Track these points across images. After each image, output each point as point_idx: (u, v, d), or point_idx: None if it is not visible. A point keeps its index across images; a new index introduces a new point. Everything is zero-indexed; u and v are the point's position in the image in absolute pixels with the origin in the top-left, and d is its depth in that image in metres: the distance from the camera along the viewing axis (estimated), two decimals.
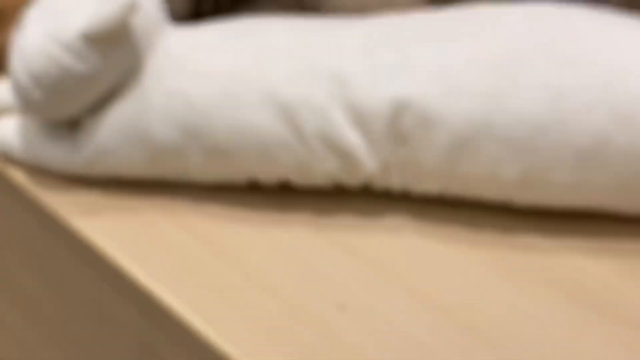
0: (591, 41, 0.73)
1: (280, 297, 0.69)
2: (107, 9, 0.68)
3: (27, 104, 0.72)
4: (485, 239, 0.76)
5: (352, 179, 0.74)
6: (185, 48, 0.75)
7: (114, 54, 0.71)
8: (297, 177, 0.74)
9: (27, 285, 0.90)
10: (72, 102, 0.71)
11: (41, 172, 0.77)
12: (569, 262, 0.74)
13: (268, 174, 0.74)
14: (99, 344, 0.81)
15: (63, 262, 0.79)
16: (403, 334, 0.66)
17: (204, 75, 0.73)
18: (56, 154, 0.75)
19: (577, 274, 0.72)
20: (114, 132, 0.72)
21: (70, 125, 0.75)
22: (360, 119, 0.71)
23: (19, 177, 0.77)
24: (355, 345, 0.65)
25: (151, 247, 0.72)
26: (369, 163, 0.72)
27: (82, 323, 0.83)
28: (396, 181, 0.74)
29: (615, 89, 0.69)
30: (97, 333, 0.80)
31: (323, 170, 0.73)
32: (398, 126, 0.71)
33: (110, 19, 0.68)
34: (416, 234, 0.76)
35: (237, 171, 0.75)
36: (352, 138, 0.71)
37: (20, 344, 1.00)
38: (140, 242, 0.72)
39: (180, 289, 0.68)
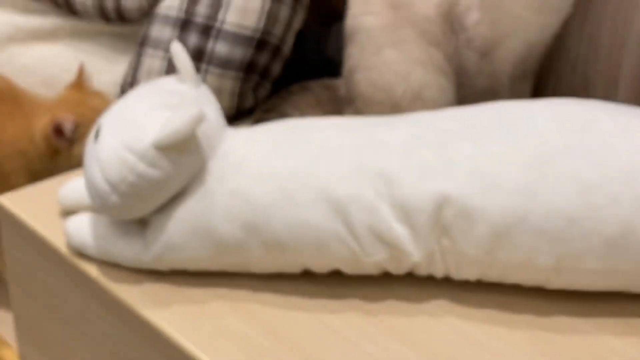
0: (613, 138, 0.76)
1: None
2: (177, 121, 0.71)
3: (104, 207, 0.74)
4: (520, 320, 0.77)
5: (398, 268, 0.76)
6: (242, 151, 0.78)
7: (183, 160, 0.73)
8: (348, 268, 0.76)
9: None
10: (145, 204, 0.74)
11: (112, 264, 0.79)
12: (598, 342, 0.75)
13: (321, 265, 0.76)
14: None
15: (133, 348, 0.80)
16: None
17: (261, 175, 0.75)
18: (127, 250, 0.77)
19: (607, 353, 0.73)
20: (181, 230, 0.75)
21: (140, 223, 0.78)
22: (405, 213, 0.73)
23: (92, 270, 0.79)
24: None
25: (216, 335, 0.73)
26: (414, 253, 0.74)
27: None
28: (438, 268, 0.76)
29: (637, 182, 0.73)
30: None
31: (372, 261, 0.75)
32: (440, 220, 0.73)
33: (180, 130, 0.71)
34: (456, 317, 0.77)
35: (293, 262, 0.76)
36: (399, 231, 0.73)
37: None
38: (205, 330, 0.73)
39: None
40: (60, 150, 1.07)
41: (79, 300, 0.85)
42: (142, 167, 0.72)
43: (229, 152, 0.78)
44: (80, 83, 1.10)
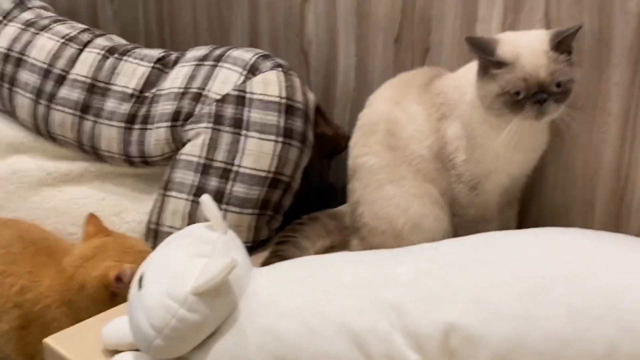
0: (598, 265, 0.80)
1: None
2: (212, 269, 0.76)
3: (149, 349, 0.79)
4: None
5: None
6: (268, 290, 0.82)
7: (218, 302, 0.78)
8: None
9: None
10: (185, 344, 0.79)
11: None
12: None
13: None
14: None
15: None
16: None
17: (286, 313, 0.79)
18: None
19: None
20: None
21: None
22: (416, 342, 0.77)
23: None
24: None
25: None
26: None
27: None
28: None
29: (620, 304, 0.76)
30: None
31: None
32: (448, 346, 0.77)
33: (215, 278, 0.76)
34: None
35: None
36: (412, 358, 0.77)
37: None
38: None
39: None
40: (117, 294, 1.03)
41: None
42: (182, 313, 0.76)
43: (256, 292, 0.82)
44: (99, 227, 1.11)
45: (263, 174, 1.08)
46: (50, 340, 0.93)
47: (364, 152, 1.04)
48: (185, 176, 1.10)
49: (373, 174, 1.02)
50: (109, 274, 1.03)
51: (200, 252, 0.82)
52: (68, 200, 1.25)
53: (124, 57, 1.24)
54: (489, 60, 0.91)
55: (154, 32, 1.52)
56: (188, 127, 1.12)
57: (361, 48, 1.22)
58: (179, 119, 1.14)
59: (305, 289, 0.82)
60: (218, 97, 1.11)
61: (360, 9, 1.19)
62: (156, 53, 1.24)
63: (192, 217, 1.09)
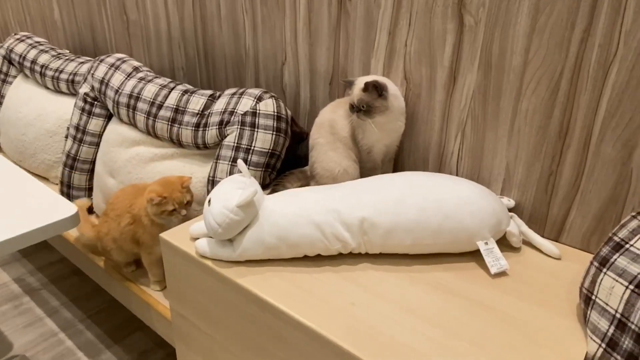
0: (432, 186, 0.83)
1: (320, 298, 0.74)
2: (246, 194, 0.80)
3: (215, 235, 0.81)
4: (400, 267, 0.81)
5: (345, 251, 0.83)
6: (273, 205, 0.84)
7: (248, 211, 0.81)
8: (325, 253, 0.83)
9: (220, 318, 0.87)
10: (233, 232, 0.81)
11: (219, 261, 0.83)
12: (434, 274, 0.80)
13: (312, 252, 0.83)
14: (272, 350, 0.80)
15: (235, 303, 0.81)
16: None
17: (282, 215, 0.82)
18: (225, 253, 0.83)
19: (439, 280, 0.79)
20: (249, 241, 0.82)
21: (228, 241, 0.84)
22: (347, 226, 0.81)
23: (209, 262, 0.83)
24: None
25: (272, 289, 0.77)
26: (352, 244, 0.82)
27: (250, 336, 0.82)
28: (363, 249, 0.83)
29: (444, 205, 0.81)
30: (268, 342, 0.79)
31: (334, 249, 0.82)
32: (362, 228, 0.81)
33: (248, 198, 0.79)
34: (373, 270, 0.82)
35: (300, 252, 0.83)
36: (345, 235, 0.81)
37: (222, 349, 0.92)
38: (268, 288, 0.78)
39: (293, 307, 0.74)
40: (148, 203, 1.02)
41: (202, 277, 0.85)
42: (231, 216, 0.79)
43: (266, 206, 0.83)
44: (182, 178, 1.05)
45: (266, 150, 1.08)
46: (164, 235, 0.91)
47: (318, 137, 1.04)
48: (227, 153, 1.10)
49: (322, 146, 1.03)
50: (148, 195, 1.01)
51: (238, 186, 0.84)
52: (166, 168, 1.24)
53: (193, 94, 1.23)
54: (348, 85, 0.99)
55: (205, 83, 1.49)
56: (227, 128, 1.12)
57: (312, 89, 1.21)
58: (223, 124, 1.13)
59: (291, 204, 0.84)
60: (242, 112, 1.11)
61: (311, 67, 1.18)
62: (208, 92, 1.23)
63: (230, 172, 1.09)
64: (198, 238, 0.88)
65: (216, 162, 1.12)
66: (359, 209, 0.81)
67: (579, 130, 0.84)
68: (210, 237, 0.84)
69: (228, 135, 1.12)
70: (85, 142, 1.42)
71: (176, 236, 0.91)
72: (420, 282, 0.79)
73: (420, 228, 0.80)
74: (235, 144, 1.09)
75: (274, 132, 1.09)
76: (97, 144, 1.42)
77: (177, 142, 1.22)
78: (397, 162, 1.11)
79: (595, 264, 0.70)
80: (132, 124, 1.31)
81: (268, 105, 1.10)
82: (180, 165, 1.22)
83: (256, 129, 1.09)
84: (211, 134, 1.15)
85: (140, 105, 1.28)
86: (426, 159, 1.06)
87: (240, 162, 0.87)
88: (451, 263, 0.84)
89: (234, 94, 1.17)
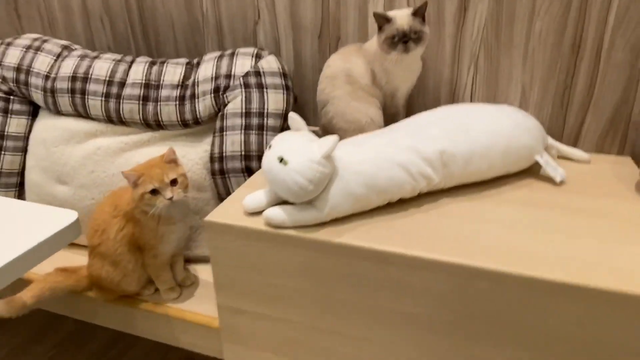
0: (484, 112, 0.84)
1: (431, 236, 0.71)
2: (329, 143, 0.71)
3: (303, 194, 0.70)
4: (479, 193, 0.81)
5: (428, 189, 0.80)
6: (347, 156, 0.76)
7: (330, 161, 0.72)
8: (409, 194, 0.78)
9: (302, 295, 0.78)
10: (322, 187, 0.72)
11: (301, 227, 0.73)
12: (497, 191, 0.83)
13: (399, 196, 0.78)
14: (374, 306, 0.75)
15: (329, 270, 0.73)
16: None
17: (363, 162, 0.75)
18: (308, 216, 0.73)
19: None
20: (337, 196, 0.73)
21: (307, 203, 0.74)
22: (429, 162, 0.77)
23: (290, 232, 0.73)
24: None
25: (383, 240, 0.70)
26: (436, 179, 0.78)
27: (346, 302, 0.75)
28: (442, 185, 0.80)
29: (504, 127, 0.82)
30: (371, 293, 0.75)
31: (419, 188, 0.78)
32: (443, 160, 0.78)
33: (332, 147, 0.71)
34: (455, 202, 0.79)
35: (387, 198, 0.77)
36: (429, 171, 0.77)
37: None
38: (377, 239, 0.70)
39: (418, 248, 0.69)
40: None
41: (276, 255, 0.75)
42: (321, 168, 0.70)
43: (340, 158, 0.75)
44: (163, 155, 0.87)
45: (280, 111, 0.98)
46: (208, 218, 0.77)
47: (332, 90, 0.96)
48: (235, 121, 0.96)
49: (341, 99, 0.95)
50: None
51: (308, 138, 0.75)
52: (145, 156, 1.01)
53: (164, 65, 1.05)
54: (383, 18, 0.89)
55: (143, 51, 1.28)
56: (227, 94, 0.98)
57: (297, 46, 1.12)
58: (220, 91, 0.99)
59: (365, 152, 0.77)
60: (243, 74, 0.98)
61: (294, 22, 1.09)
62: (182, 60, 1.06)
63: (246, 143, 0.95)
64: (255, 212, 0.76)
65: (222, 135, 0.97)
66: (433, 142, 0.78)
67: (591, 41, 0.93)
68: (280, 203, 0.74)
69: (230, 102, 0.98)
70: (6, 150, 1.11)
71: (227, 216, 0.77)
72: (504, 202, 0.79)
73: (493, 152, 0.81)
74: (245, 110, 0.96)
75: (284, 91, 0.98)
76: (24, 149, 1.13)
77: (155, 124, 1.03)
78: (408, 105, 1.08)
79: None
80: (81, 113, 1.07)
81: (271, 63, 0.99)
82: (162, 150, 1.01)
83: (265, 90, 0.97)
84: (204, 105, 0.99)
85: (92, 87, 1.04)
86: (437, 97, 1.07)
87: (293, 114, 0.77)
88: (514, 183, 0.86)
89: (219, 57, 1.02)
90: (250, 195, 0.78)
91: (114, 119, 1.05)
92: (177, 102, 1.00)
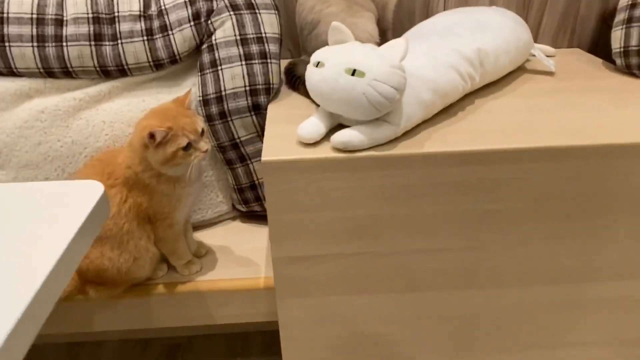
0: (488, 13, 0.85)
1: (497, 129, 0.70)
2: (403, 47, 0.64)
3: (389, 106, 0.63)
4: (506, 89, 0.82)
5: (472, 87, 0.78)
6: (405, 62, 0.71)
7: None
8: (460, 95, 0.76)
9: (381, 221, 0.70)
10: (402, 96, 0.64)
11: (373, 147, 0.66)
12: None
13: (456, 98, 0.75)
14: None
15: (410, 179, 0.67)
16: None
17: (421, 68, 0.71)
18: (386, 132, 0.66)
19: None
20: (410, 106, 0.68)
21: (376, 120, 0.66)
22: (470, 61, 0.76)
23: (367, 153, 0.65)
24: None
25: (443, 141, 0.67)
26: (477, 79, 0.78)
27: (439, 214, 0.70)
28: (480, 82, 0.80)
29: (508, 25, 0.84)
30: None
31: (468, 88, 0.77)
32: (480, 59, 0.77)
33: (405, 51, 0.64)
34: (485, 100, 0.78)
35: (448, 101, 0.74)
36: (472, 70, 0.76)
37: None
38: (434, 144, 0.66)
39: (501, 142, 0.66)
40: (147, 146, 0.67)
41: (350, 183, 0.66)
42: (402, 73, 0.64)
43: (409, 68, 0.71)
44: (182, 100, 0.72)
45: (277, 35, 0.84)
46: (264, 159, 0.64)
47: (323, 7, 0.86)
48: (230, 52, 0.81)
49: (336, 16, 0.86)
50: (146, 128, 0.66)
51: (371, 47, 0.67)
52: (113, 112, 0.82)
53: None
54: None
55: None
56: (213, 21, 0.81)
57: None
58: (201, 18, 0.81)
59: (416, 58, 0.73)
60: None
61: None
62: None
63: (250, 75, 0.81)
64: (307, 142, 0.67)
65: (215, 71, 0.81)
66: (468, 42, 0.76)
67: None
68: (338, 127, 0.66)
69: (217, 29, 0.81)
70: None
71: (285, 152, 0.65)
72: (524, 94, 0.83)
73: (512, 47, 0.83)
74: (240, 37, 0.81)
75: (275, 11, 0.85)
76: None
77: (117, 70, 0.81)
78: None
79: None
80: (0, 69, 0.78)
81: None
82: (133, 101, 0.82)
83: (257, 11, 0.82)
84: (182, 37, 0.81)
85: (12, 31, 0.76)
86: (412, 10, 1.05)
87: (338, 24, 0.66)
88: (516, 80, 0.89)
89: None
90: (304, 123, 0.68)
91: (56, 71, 0.80)
92: (145, 38, 0.80)
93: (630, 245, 0.74)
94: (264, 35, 0.82)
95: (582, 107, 0.77)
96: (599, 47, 1.10)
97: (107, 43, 0.80)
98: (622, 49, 0.91)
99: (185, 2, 0.81)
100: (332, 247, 0.72)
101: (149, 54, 0.81)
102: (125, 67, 0.81)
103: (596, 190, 0.69)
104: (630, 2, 0.90)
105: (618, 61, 0.92)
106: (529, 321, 0.81)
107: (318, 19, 0.88)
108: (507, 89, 0.85)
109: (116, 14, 0.80)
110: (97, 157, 0.75)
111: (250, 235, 0.90)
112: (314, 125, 0.67)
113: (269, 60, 0.82)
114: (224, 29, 0.81)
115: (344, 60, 0.63)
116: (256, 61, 0.81)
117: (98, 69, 0.81)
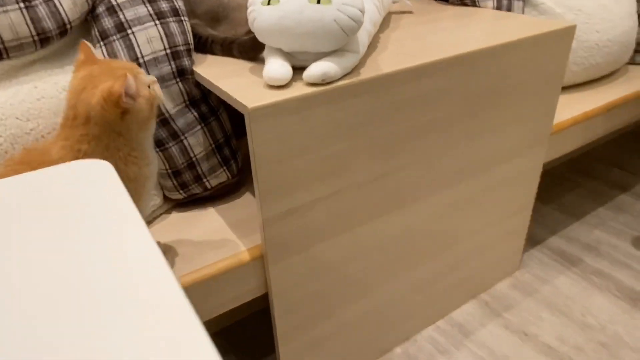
0: None
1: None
2: None
3: (356, 29, 0.64)
4: None
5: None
6: None
7: None
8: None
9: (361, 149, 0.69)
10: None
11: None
12: None
13: (377, 28, 0.82)
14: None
15: (380, 102, 0.69)
16: None
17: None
18: (352, 58, 0.67)
19: None
20: (361, 35, 0.70)
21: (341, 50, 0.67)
22: None
23: (342, 82, 0.65)
24: None
25: (397, 60, 0.71)
26: (381, 11, 0.84)
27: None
28: (381, 17, 0.89)
29: None
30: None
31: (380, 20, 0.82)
32: None
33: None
34: (401, 29, 0.88)
35: (377, 27, 0.80)
36: (379, 4, 0.81)
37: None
38: (393, 64, 0.71)
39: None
40: (127, 110, 0.56)
41: (330, 115, 0.66)
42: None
43: None
44: (89, 55, 0.59)
45: None
46: (252, 106, 0.59)
47: None
48: (138, 10, 0.69)
49: None
50: (111, 92, 0.55)
51: None
52: (0, 107, 0.61)
53: None
54: None
55: None
56: None
57: None
58: None
59: None
60: None
61: None
62: None
63: (168, 35, 0.71)
64: (281, 84, 0.64)
65: (125, 36, 0.68)
66: None
67: None
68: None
69: None
70: None
71: (264, 97, 0.61)
72: (406, 27, 0.95)
73: None
74: None
75: None
76: None
77: None
78: None
79: None
80: None
81: None
82: (19, 92, 0.63)
83: None
84: (72, 0, 0.64)
85: None
86: None
87: None
88: (393, 17, 1.00)
89: None
90: (270, 66, 0.64)
91: None
92: (23, 4, 0.61)
93: (513, 129, 0.95)
94: None
95: (453, 27, 0.93)
96: None
97: None
98: None
99: None
100: (318, 190, 0.72)
101: (30, 26, 0.63)
102: (0, 46, 0.62)
103: (494, 85, 0.85)
104: None
105: None
106: (452, 218, 0.96)
107: None
108: (393, 25, 0.95)
109: None
110: (15, 158, 0.55)
111: (201, 220, 0.81)
112: (283, 66, 0.64)
113: (182, 18, 0.73)
114: None
115: None
116: (171, 19, 0.71)
117: None
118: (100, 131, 0.57)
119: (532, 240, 1.33)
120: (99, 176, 0.40)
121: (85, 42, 0.61)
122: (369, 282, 0.87)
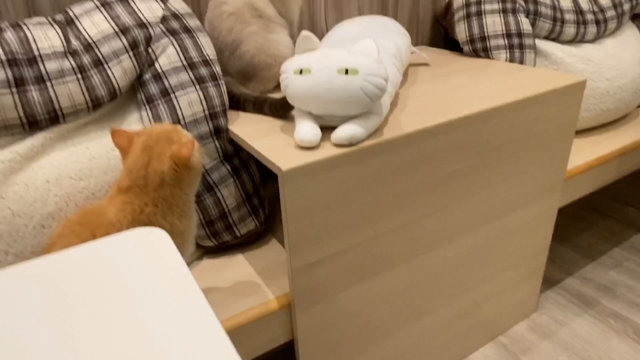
0: (371, 22, 0.99)
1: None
2: (373, 43, 0.72)
3: (381, 94, 0.69)
4: None
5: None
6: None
7: None
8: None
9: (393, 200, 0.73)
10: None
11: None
12: None
13: (397, 88, 0.84)
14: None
15: (401, 158, 0.74)
16: None
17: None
18: (375, 120, 0.72)
19: None
20: (384, 98, 0.76)
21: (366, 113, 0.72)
22: (397, 57, 0.87)
23: (367, 144, 0.70)
24: None
25: (416, 120, 0.77)
26: (401, 70, 0.88)
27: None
28: (401, 74, 0.90)
29: (394, 30, 0.99)
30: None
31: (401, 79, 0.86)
32: (398, 55, 0.89)
33: (377, 50, 0.71)
34: (417, 85, 0.94)
35: (396, 89, 0.83)
36: (398, 64, 0.87)
37: None
38: (413, 124, 0.76)
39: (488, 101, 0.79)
40: (192, 167, 0.62)
41: (356, 173, 0.71)
42: (384, 66, 0.71)
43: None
44: (129, 136, 0.64)
45: (215, 57, 0.81)
46: (285, 169, 0.64)
47: (243, 27, 0.88)
48: (180, 78, 0.75)
49: (257, 34, 0.89)
50: (182, 156, 0.61)
51: (345, 50, 0.72)
52: (55, 168, 0.67)
53: (23, 29, 0.66)
54: None
55: None
56: (154, 47, 0.74)
57: None
58: (138, 47, 0.73)
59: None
60: (158, 19, 0.75)
61: None
62: (42, 19, 0.70)
63: (207, 99, 0.77)
64: (311, 146, 0.69)
65: (168, 100, 0.74)
66: (388, 42, 0.89)
67: None
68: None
69: (160, 56, 0.75)
70: None
71: (296, 159, 0.66)
72: (425, 81, 1.00)
73: (406, 46, 0.98)
74: (186, 61, 0.76)
75: (204, 33, 0.81)
76: None
77: (48, 117, 0.67)
78: None
79: None
80: None
81: (179, 2, 0.79)
82: (74, 154, 0.69)
83: (194, 33, 0.79)
84: (122, 69, 0.72)
85: None
86: (300, 24, 1.14)
87: (307, 32, 0.70)
88: (410, 70, 1.07)
89: (104, 4, 0.74)
90: (301, 129, 0.70)
91: None
92: (80, 75, 0.69)
93: (527, 177, 0.98)
94: (207, 57, 0.80)
95: (468, 83, 0.98)
96: (436, 43, 1.38)
97: (31, 87, 0.66)
98: (468, 38, 1.17)
99: (115, 32, 0.73)
100: (343, 242, 0.76)
101: (86, 94, 0.70)
102: (59, 112, 0.69)
103: (509, 137, 0.89)
104: (464, 2, 1.18)
105: (465, 48, 1.19)
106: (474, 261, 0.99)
107: (240, 39, 0.90)
108: (411, 79, 1.01)
109: (36, 53, 0.67)
110: (73, 219, 0.61)
111: (230, 267, 0.85)
112: (313, 129, 0.70)
113: (219, 82, 0.80)
114: (168, 55, 0.76)
115: (332, 63, 0.68)
116: (209, 84, 0.78)
117: (24, 119, 0.66)
118: (170, 192, 0.63)
119: (549, 281, 1.35)
120: (157, 245, 0.45)
121: (114, 126, 0.66)
122: (389, 326, 0.90)
